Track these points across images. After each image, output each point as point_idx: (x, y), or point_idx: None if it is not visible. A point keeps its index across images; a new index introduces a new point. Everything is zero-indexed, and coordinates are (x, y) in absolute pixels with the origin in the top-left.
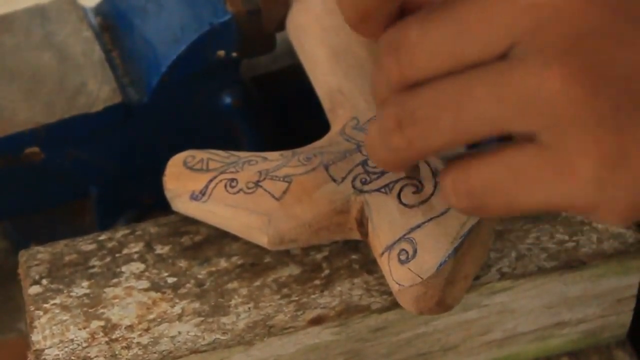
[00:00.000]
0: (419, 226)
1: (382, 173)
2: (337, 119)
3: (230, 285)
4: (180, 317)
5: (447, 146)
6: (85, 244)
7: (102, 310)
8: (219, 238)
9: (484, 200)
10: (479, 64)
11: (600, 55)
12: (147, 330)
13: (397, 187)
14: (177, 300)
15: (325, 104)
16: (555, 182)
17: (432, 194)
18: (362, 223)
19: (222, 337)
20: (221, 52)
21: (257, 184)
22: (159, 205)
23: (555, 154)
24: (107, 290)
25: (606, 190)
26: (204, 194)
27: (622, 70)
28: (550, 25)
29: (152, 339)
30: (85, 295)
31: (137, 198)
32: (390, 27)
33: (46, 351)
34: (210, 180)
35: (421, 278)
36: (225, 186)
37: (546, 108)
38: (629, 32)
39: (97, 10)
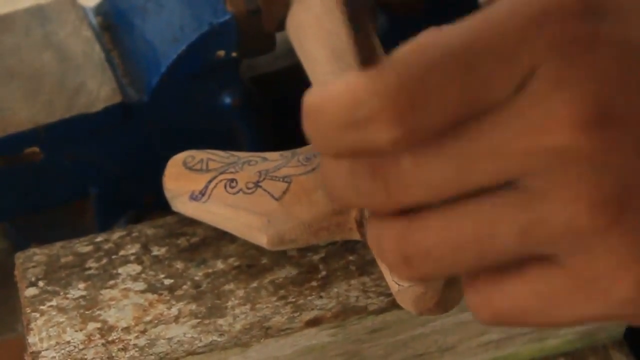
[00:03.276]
0: None
1: None
2: None
3: (227, 287)
4: (176, 318)
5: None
6: (82, 246)
7: (98, 312)
8: (215, 239)
9: (511, 321)
10: (485, 191)
11: (621, 181)
12: (143, 332)
13: None
14: (173, 302)
15: None
16: (588, 304)
17: None
18: (361, 223)
19: (219, 339)
20: (221, 52)
21: (256, 184)
22: (159, 205)
23: (584, 277)
24: (103, 292)
25: None
26: (203, 194)
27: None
28: (568, 162)
29: (148, 341)
30: (82, 297)
31: (137, 198)
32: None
33: (42, 353)
34: (210, 181)
35: None
36: (225, 186)
37: (574, 238)
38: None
39: (97, 10)
